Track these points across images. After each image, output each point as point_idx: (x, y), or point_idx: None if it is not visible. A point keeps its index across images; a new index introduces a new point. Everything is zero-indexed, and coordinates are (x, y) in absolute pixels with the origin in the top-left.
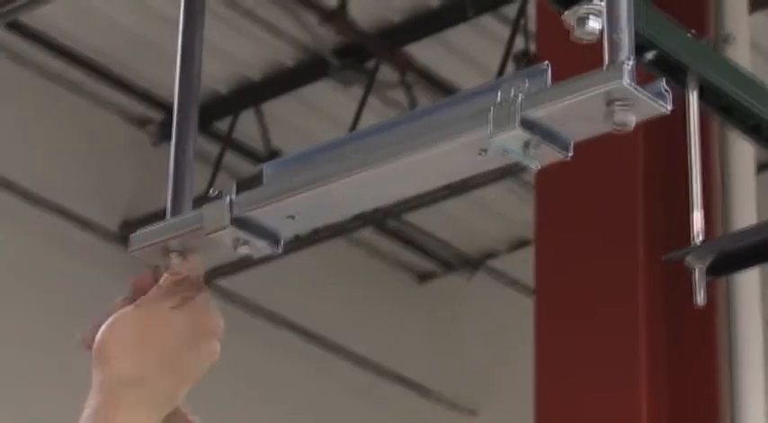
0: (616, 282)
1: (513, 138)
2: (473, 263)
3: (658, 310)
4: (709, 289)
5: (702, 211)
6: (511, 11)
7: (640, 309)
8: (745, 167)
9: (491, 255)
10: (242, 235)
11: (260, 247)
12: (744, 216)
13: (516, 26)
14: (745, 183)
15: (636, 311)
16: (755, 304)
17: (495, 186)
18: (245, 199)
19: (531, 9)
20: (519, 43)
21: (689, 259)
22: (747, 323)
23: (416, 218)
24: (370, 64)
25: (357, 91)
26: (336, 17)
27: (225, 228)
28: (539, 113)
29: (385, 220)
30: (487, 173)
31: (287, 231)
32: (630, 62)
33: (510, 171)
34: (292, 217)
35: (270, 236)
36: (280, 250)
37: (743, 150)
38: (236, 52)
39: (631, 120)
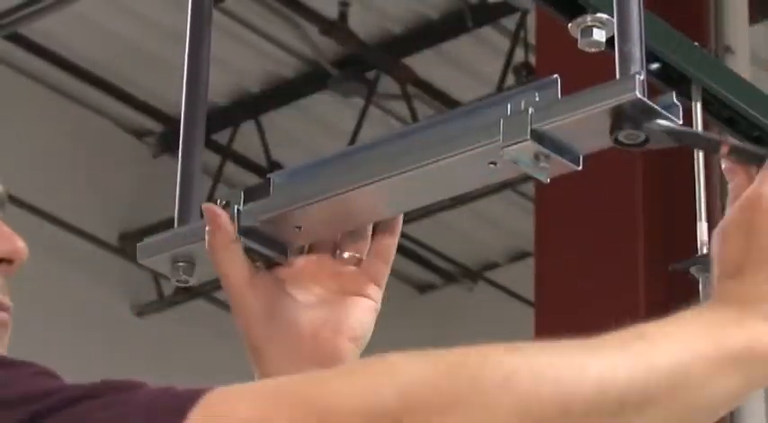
0: (616, 293)
1: (524, 150)
2: (473, 274)
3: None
4: None
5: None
6: (510, 23)
7: (641, 320)
8: None
9: (491, 266)
10: (250, 245)
11: (268, 258)
12: None
13: (516, 38)
14: None
15: (636, 323)
16: None
17: (495, 198)
18: (253, 209)
19: (531, 21)
20: (519, 55)
21: (694, 270)
22: None
23: (417, 229)
24: (371, 75)
25: (357, 102)
26: (337, 28)
27: None
28: (550, 126)
29: None
30: (487, 184)
31: (294, 242)
32: (642, 74)
33: (510, 183)
34: (299, 228)
35: (277, 246)
36: (288, 262)
37: None
38: (236, 64)
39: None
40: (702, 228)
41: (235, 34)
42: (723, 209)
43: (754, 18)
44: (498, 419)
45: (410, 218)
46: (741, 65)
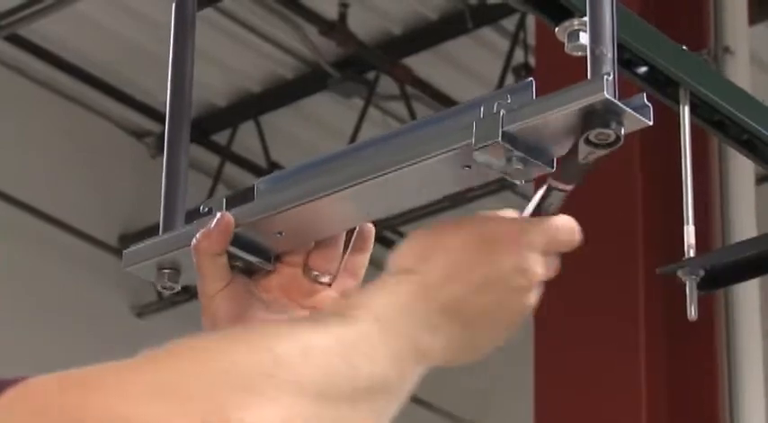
0: (615, 295)
1: (496, 152)
2: None
3: (658, 325)
4: (709, 302)
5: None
6: (510, 23)
7: (640, 323)
8: (744, 179)
9: None
10: (233, 251)
11: (251, 263)
12: (743, 228)
13: (516, 39)
14: (745, 195)
15: (635, 326)
16: (755, 317)
17: (493, 199)
18: (235, 215)
19: (531, 22)
20: (518, 56)
21: (681, 273)
22: (747, 336)
23: (414, 230)
24: (370, 76)
25: (357, 103)
26: (336, 29)
27: None
28: (521, 127)
29: (382, 231)
30: (485, 185)
31: (277, 248)
32: (611, 76)
33: (508, 184)
34: (280, 233)
35: (261, 252)
36: (273, 267)
37: (742, 162)
38: (235, 64)
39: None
40: (689, 231)
41: (234, 35)
42: (721, 208)
43: (754, 19)
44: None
45: (408, 219)
46: (741, 66)
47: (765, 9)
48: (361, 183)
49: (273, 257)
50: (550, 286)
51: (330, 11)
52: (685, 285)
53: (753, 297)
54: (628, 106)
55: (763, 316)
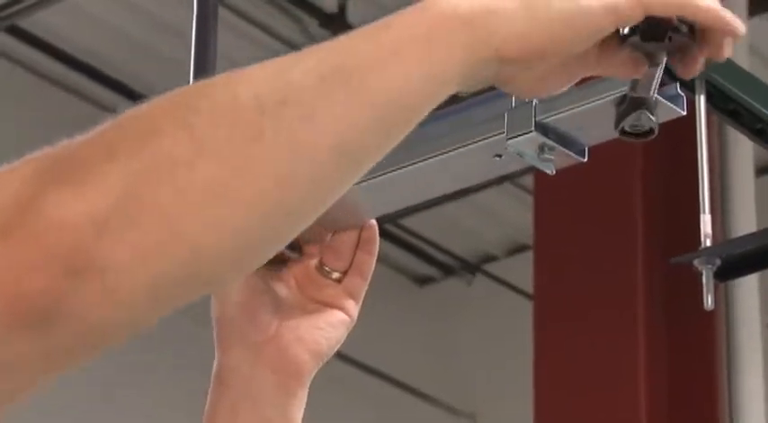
0: (615, 286)
1: (528, 142)
2: (472, 267)
3: (657, 315)
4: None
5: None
6: None
7: (639, 313)
8: (744, 171)
9: (490, 259)
10: None
11: (283, 252)
12: (743, 220)
13: None
14: (745, 186)
15: (635, 316)
16: (755, 308)
17: (493, 190)
18: None
19: None
20: None
21: (697, 263)
22: (747, 328)
23: (415, 222)
24: None
25: None
26: (336, 21)
27: None
28: (554, 117)
29: (384, 224)
30: (493, 177)
31: (303, 234)
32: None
33: (509, 176)
34: None
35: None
36: (298, 255)
37: (742, 154)
38: (233, 56)
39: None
40: (706, 220)
41: (233, 26)
42: (722, 200)
43: (754, 10)
44: None
45: (409, 211)
46: (740, 58)
47: (764, 1)
48: (393, 171)
49: (298, 246)
50: (550, 278)
51: (330, 3)
52: (699, 275)
53: (752, 288)
54: (661, 96)
55: (763, 307)
